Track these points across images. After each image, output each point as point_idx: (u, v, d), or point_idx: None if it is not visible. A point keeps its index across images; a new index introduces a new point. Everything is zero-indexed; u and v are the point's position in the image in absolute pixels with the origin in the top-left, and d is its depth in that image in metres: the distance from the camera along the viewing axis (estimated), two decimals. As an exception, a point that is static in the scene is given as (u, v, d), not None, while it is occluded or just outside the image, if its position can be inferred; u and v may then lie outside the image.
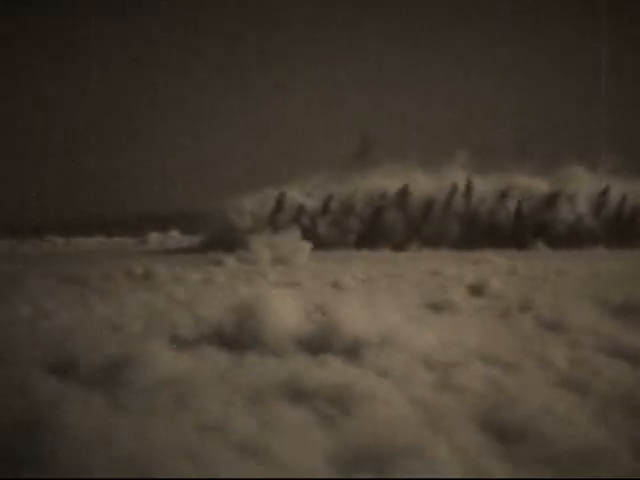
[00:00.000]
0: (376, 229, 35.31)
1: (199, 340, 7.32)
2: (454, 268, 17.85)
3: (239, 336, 7.39)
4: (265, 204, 36.94)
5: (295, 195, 36.91)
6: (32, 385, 5.34)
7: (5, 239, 52.25)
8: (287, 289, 13.25)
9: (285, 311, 7.65)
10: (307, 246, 21.88)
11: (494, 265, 19.39)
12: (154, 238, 54.62)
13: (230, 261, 21.44)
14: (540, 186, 35.50)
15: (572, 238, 32.52)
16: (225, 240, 32.12)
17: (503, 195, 35.75)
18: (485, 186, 36.15)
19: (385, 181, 36.50)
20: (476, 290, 11.80)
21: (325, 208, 36.18)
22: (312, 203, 36.43)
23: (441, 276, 15.77)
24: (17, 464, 3.73)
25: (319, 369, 6.03)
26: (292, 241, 22.14)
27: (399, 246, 32.20)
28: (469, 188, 37.05)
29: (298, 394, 5.26)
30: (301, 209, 36.13)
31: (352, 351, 6.56)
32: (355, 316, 7.49)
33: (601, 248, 28.63)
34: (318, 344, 6.92)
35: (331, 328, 7.27)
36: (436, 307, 9.68)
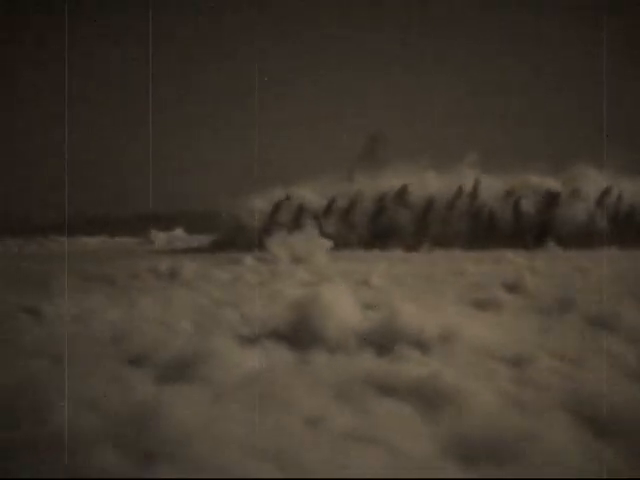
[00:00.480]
0: (386, 229, 35.45)
1: (259, 338, 7.39)
2: (476, 267, 17.96)
3: (299, 333, 7.47)
4: (276, 204, 37.07)
5: (304, 195, 37.02)
6: (126, 380, 5.42)
7: (9, 239, 52.26)
8: (322, 287, 13.37)
9: (341, 307, 7.74)
10: (326, 244, 21.92)
11: (514, 264, 19.47)
12: (159, 237, 54.68)
13: (248, 260, 21.50)
14: (550, 185, 35.71)
15: (581, 238, 32.67)
16: (237, 239, 32.24)
17: (512, 194, 35.95)
18: (494, 185, 36.33)
19: (394, 181, 36.67)
20: (511, 288, 11.89)
21: (333, 208, 36.31)
22: (321, 203, 36.55)
23: (467, 275, 15.87)
24: (147, 457, 3.81)
25: (394, 363, 6.13)
26: (310, 240, 22.18)
27: (410, 246, 32.26)
28: (476, 188, 37.27)
29: (384, 387, 5.35)
30: (310, 209, 36.24)
31: (420, 346, 6.65)
32: (409, 312, 7.60)
33: (613, 249, 28.70)
34: (383, 340, 7.01)
35: (392, 324, 7.38)
36: (480, 305, 9.77)
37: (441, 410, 4.78)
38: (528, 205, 35.71)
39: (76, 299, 11.55)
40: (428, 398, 4.97)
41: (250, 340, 7.28)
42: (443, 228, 35.82)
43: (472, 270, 17.12)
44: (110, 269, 19.78)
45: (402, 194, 37.14)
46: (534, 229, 34.77)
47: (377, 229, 35.67)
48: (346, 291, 7.99)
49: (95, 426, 4.19)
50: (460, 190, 36.66)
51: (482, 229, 36.01)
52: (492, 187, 36.41)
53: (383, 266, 19.16)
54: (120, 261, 26.10)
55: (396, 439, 4.14)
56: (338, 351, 6.85)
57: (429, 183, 36.67)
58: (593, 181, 35.30)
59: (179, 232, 60.96)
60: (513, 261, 20.53)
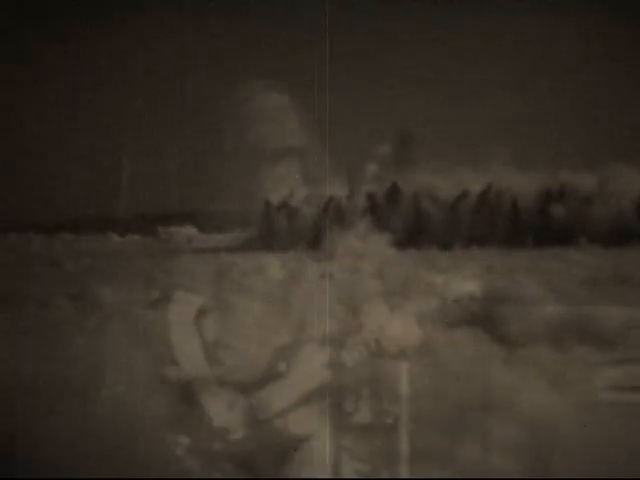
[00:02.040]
0: (418, 228, 35.48)
1: (454, 326, 7.55)
2: (547, 264, 18.20)
3: (489, 324, 7.64)
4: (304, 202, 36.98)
5: (335, 193, 36.97)
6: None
7: (20, 236, 51.68)
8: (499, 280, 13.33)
9: (525, 299, 7.92)
10: (384, 239, 21.77)
11: (577, 261, 19.67)
12: (175, 237, 54.24)
13: (303, 258, 21.45)
14: (583, 184, 35.78)
15: (614, 237, 32.80)
16: (269, 238, 32.16)
17: (544, 193, 36.04)
18: (525, 183, 36.38)
19: (426, 178, 36.68)
20: (623, 281, 12.14)
21: (368, 207, 36.32)
22: (353, 201, 36.53)
23: (548, 271, 16.10)
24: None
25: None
26: (368, 237, 22.18)
27: (443, 245, 32.22)
28: (490, 188, 37.44)
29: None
30: (342, 207, 36.21)
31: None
32: (584, 304, 7.83)
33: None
34: (582, 329, 7.20)
35: (578, 315, 7.58)
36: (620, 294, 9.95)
37: None
38: (560, 203, 35.83)
39: (195, 295, 11.60)
40: None
41: (450, 327, 7.43)
42: (473, 227, 35.88)
43: (547, 266, 17.33)
44: (169, 267, 19.80)
45: (393, 193, 37.22)
46: (565, 228, 34.85)
47: (410, 228, 35.65)
48: (528, 283, 8.16)
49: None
50: (489, 188, 36.74)
51: (512, 228, 36.12)
52: (523, 185, 36.47)
53: (446, 262, 19.36)
54: (167, 260, 26.12)
55: None
56: (545, 343, 7.02)
57: (460, 181, 36.69)
58: (627, 180, 35.42)
59: (193, 231, 60.40)
60: (574, 258, 20.71)
